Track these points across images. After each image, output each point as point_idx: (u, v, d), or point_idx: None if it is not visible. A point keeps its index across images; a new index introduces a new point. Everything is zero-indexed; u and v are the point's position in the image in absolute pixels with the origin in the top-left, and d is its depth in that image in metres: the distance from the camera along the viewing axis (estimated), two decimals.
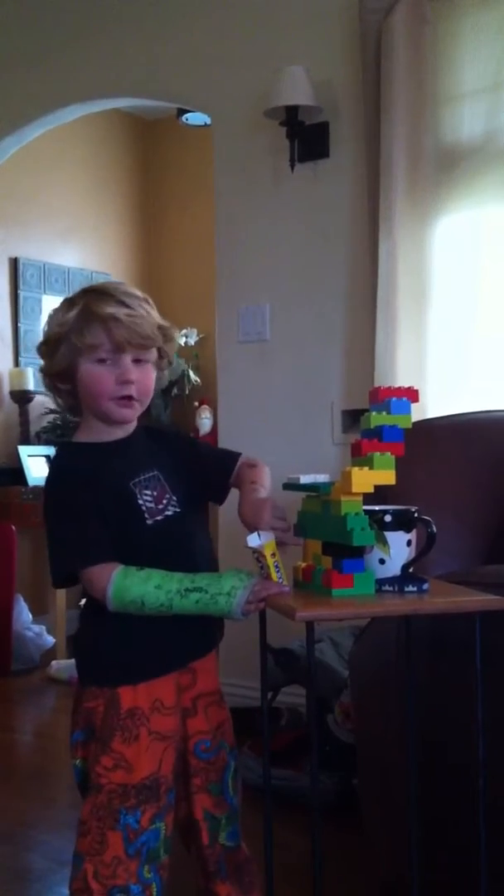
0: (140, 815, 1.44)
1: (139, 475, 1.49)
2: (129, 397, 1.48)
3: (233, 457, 1.61)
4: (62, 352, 1.48)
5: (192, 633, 1.50)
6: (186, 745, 1.52)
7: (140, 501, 1.47)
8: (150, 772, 1.45)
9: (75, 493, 1.44)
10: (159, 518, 1.48)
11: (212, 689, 1.56)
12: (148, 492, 1.49)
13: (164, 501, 1.50)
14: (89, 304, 1.46)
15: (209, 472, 1.60)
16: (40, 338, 1.53)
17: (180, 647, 1.50)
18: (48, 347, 1.50)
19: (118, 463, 1.49)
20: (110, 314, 1.44)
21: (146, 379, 1.50)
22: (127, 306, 1.46)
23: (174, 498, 1.51)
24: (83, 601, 1.55)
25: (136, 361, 1.49)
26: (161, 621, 1.44)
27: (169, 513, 1.50)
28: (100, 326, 1.45)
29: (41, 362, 1.54)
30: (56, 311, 1.51)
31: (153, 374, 1.53)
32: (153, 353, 1.52)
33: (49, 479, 1.50)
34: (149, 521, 1.47)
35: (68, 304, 1.50)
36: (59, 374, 1.50)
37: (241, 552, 1.50)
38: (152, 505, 1.48)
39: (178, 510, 1.51)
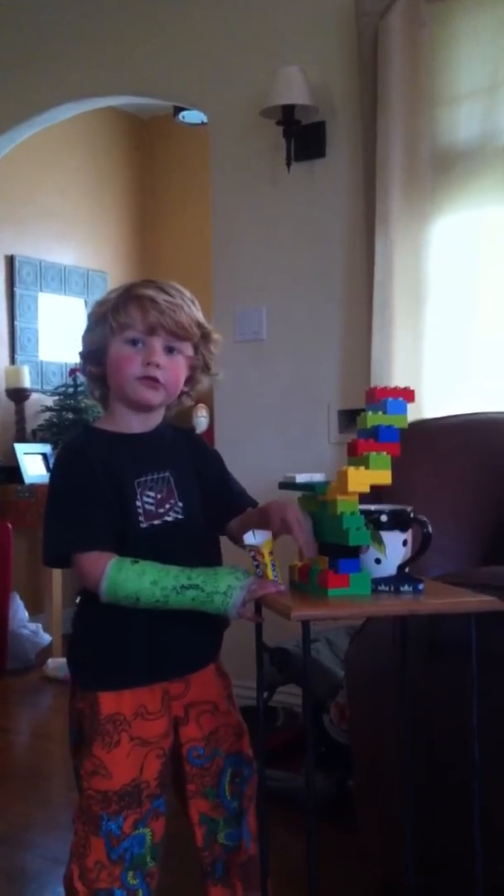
0: (122, 822, 1.43)
1: (147, 474, 1.47)
2: (154, 379, 1.47)
3: (251, 500, 1.60)
4: (97, 332, 1.50)
5: (184, 648, 1.49)
6: (180, 751, 1.52)
7: (138, 502, 1.45)
8: (131, 778, 1.44)
9: (83, 474, 1.43)
10: (156, 522, 1.46)
11: (205, 698, 1.54)
12: (151, 493, 1.47)
13: (167, 506, 1.48)
14: (131, 286, 1.49)
15: (223, 497, 1.58)
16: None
17: (169, 661, 1.49)
18: (87, 328, 1.52)
19: (129, 457, 1.47)
20: (148, 296, 1.46)
21: (175, 368, 1.50)
22: (166, 293, 1.48)
23: (180, 504, 1.49)
24: (79, 599, 1.55)
25: (169, 351, 1.48)
26: (153, 633, 1.43)
27: (169, 518, 1.47)
28: (136, 306, 1.46)
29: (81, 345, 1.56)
30: (103, 296, 1.54)
31: (184, 368, 1.52)
32: (187, 348, 1.51)
33: (59, 455, 1.50)
34: (143, 525, 1.45)
35: (114, 289, 1.52)
36: (91, 355, 1.52)
37: (240, 554, 1.50)
38: (152, 508, 1.46)
39: (180, 517, 1.49)
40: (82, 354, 1.54)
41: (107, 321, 1.47)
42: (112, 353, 1.48)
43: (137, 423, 1.52)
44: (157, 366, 1.46)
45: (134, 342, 1.47)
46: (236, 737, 1.57)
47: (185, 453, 1.56)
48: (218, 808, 1.54)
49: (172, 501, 1.49)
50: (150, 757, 1.46)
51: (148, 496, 1.46)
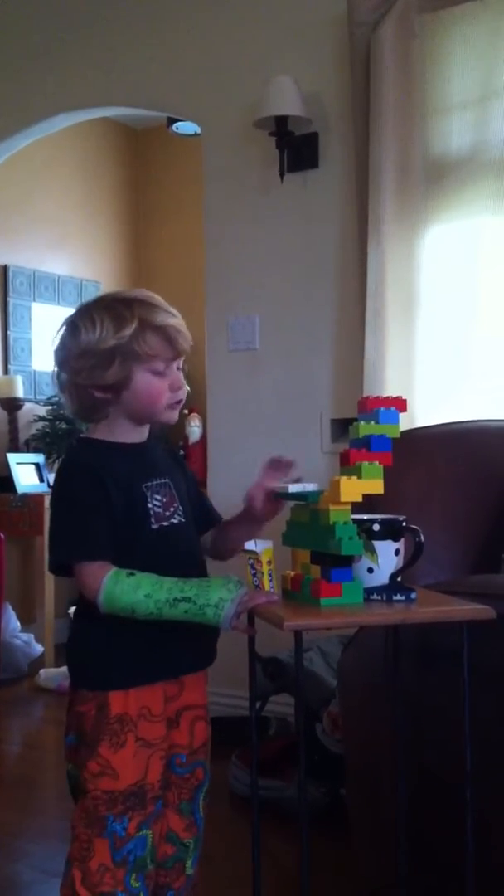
0: (127, 823, 1.44)
1: (152, 479, 1.51)
2: (180, 401, 1.53)
3: (219, 515, 1.66)
4: (118, 363, 1.46)
5: (188, 645, 1.50)
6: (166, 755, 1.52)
7: (150, 505, 1.48)
8: (137, 779, 1.45)
9: (86, 486, 1.44)
10: (165, 524, 1.49)
11: (197, 702, 1.55)
12: (158, 497, 1.50)
13: (172, 509, 1.52)
14: (145, 315, 1.47)
15: (201, 510, 1.62)
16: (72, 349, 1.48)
17: (174, 657, 1.50)
18: (100, 359, 1.45)
19: (134, 464, 1.50)
20: (171, 325, 1.49)
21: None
22: (174, 315, 1.51)
23: (181, 508, 1.53)
24: (72, 609, 1.55)
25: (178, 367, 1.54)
26: (156, 632, 1.44)
27: (175, 521, 1.51)
28: (161, 336, 1.48)
29: (81, 374, 1.47)
30: (101, 323, 1.46)
31: None
32: None
33: (62, 468, 1.51)
34: (154, 526, 1.48)
35: (116, 316, 1.46)
36: (107, 387, 1.47)
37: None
38: (160, 510, 1.49)
39: (183, 520, 1.52)
40: (97, 385, 1.47)
41: (130, 351, 1.46)
42: (140, 385, 1.48)
43: (136, 435, 1.55)
44: (183, 387, 1.53)
45: (158, 371, 1.49)
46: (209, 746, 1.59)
47: (175, 464, 1.61)
48: (190, 828, 1.54)
49: (176, 505, 1.53)
50: (154, 758, 1.47)
51: (156, 499, 1.50)
